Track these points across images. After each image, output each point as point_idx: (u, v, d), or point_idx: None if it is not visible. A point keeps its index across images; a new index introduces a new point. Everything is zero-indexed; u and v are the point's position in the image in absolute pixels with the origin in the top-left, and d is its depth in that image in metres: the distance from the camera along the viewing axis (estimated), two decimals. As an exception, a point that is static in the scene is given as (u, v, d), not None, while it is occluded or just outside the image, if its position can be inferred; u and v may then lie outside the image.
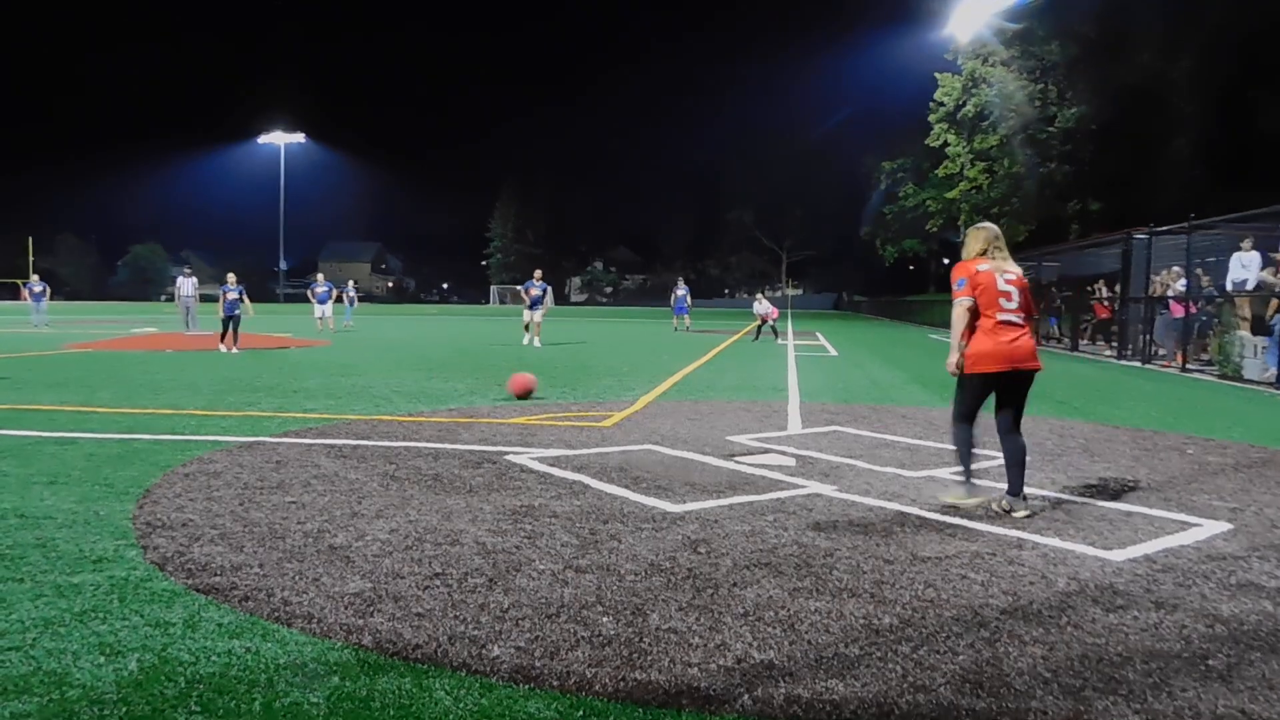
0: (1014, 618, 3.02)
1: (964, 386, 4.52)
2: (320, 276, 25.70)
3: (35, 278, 26.14)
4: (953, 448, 4.78)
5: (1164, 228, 15.47)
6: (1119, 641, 2.83)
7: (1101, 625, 2.97)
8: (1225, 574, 3.56)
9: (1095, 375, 13.70)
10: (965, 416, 4.53)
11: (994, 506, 4.44)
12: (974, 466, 4.65)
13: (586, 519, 4.23)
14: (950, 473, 5.12)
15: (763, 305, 22.92)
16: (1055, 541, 3.97)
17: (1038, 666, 2.62)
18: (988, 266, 4.43)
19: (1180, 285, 14.48)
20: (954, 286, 4.46)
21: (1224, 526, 4.30)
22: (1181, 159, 29.17)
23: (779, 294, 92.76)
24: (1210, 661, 2.69)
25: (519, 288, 19.20)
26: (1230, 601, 3.23)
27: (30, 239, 53.14)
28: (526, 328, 18.64)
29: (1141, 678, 2.56)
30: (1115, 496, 4.93)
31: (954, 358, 4.45)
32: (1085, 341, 20.27)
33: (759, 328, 22.66)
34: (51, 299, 12.31)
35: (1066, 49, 33.22)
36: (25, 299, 23.27)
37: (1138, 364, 15.58)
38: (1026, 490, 4.54)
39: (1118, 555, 3.78)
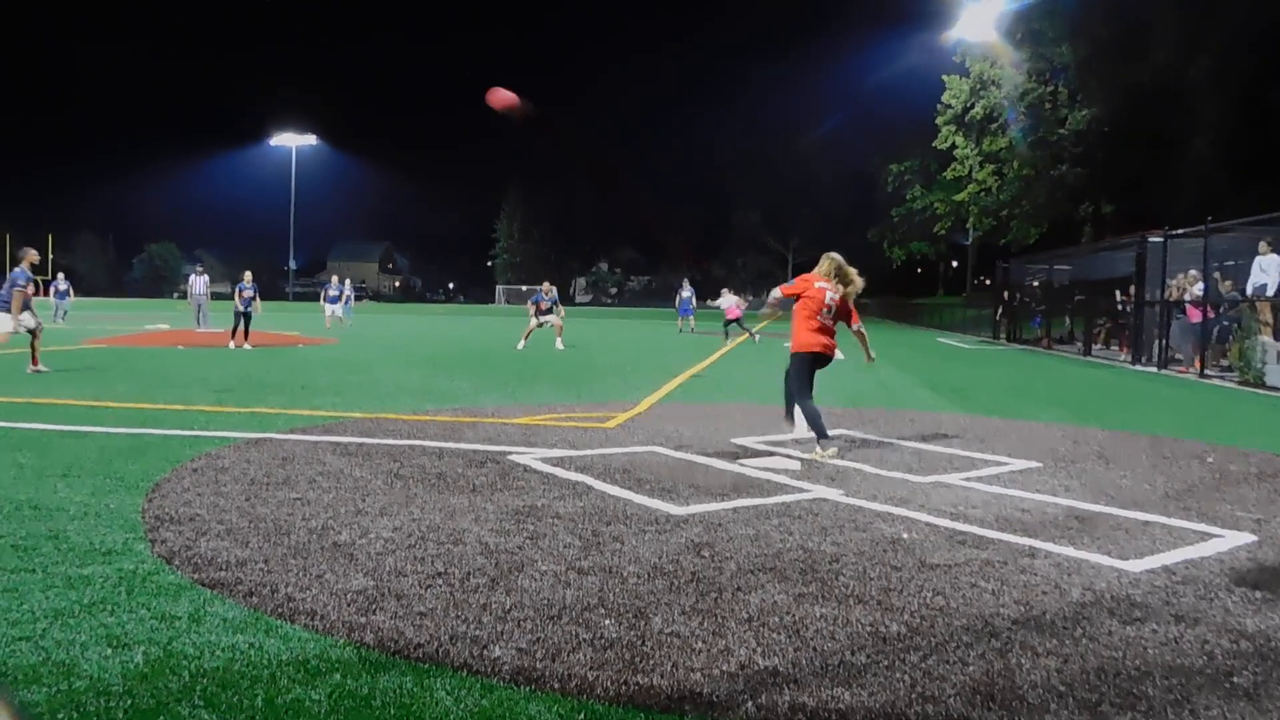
0: (1026, 628, 2.96)
1: (794, 363, 6.25)
2: (335, 279, 26.70)
3: (60, 276, 26.63)
4: (961, 452, 5.81)
5: (1180, 230, 15.28)
6: (1137, 655, 2.75)
7: (1118, 638, 2.89)
8: (1250, 587, 3.44)
9: (1110, 380, 13.60)
10: (804, 392, 6.18)
11: (818, 450, 5.94)
12: (979, 473, 4.87)
13: (589, 520, 4.20)
14: (822, 445, 6.05)
15: (726, 299, 21.98)
16: (1069, 550, 3.90)
17: (1051, 679, 2.55)
18: (822, 284, 6.19)
19: (1198, 289, 14.31)
20: (787, 282, 6.47)
21: (1248, 538, 4.18)
22: (1199, 160, 28.88)
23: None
24: (1235, 679, 2.60)
25: (530, 302, 18.86)
26: (1255, 616, 3.13)
27: (50, 236, 53.44)
28: (527, 336, 17.86)
29: (1162, 694, 2.48)
30: (1132, 505, 4.83)
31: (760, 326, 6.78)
32: (1099, 345, 20.14)
33: (726, 326, 21.56)
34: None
35: (1078, 49, 32.97)
36: (47, 295, 23.73)
37: (1154, 369, 15.45)
38: (1038, 497, 4.95)
39: (1135, 565, 3.70)
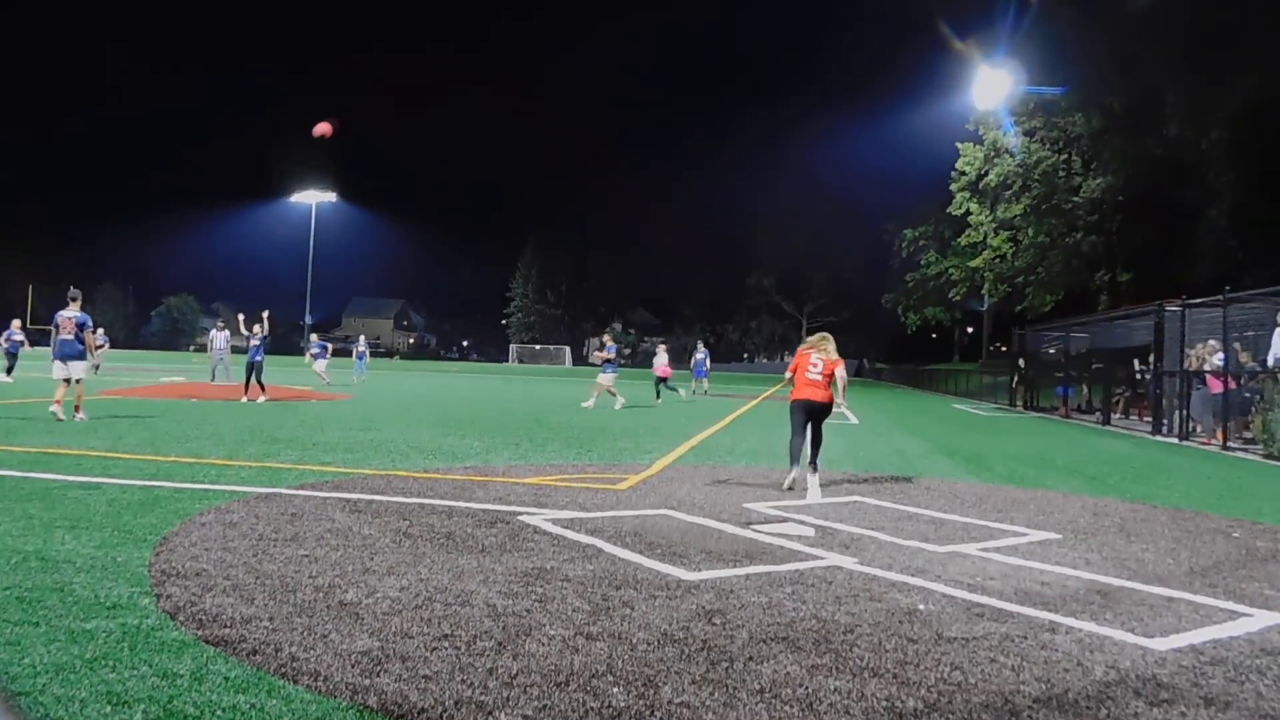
0: (1048, 707, 2.86)
1: (791, 412, 7.91)
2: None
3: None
4: (978, 522, 6.13)
5: (1197, 300, 15.23)
6: (1163, 738, 2.66)
7: (1145, 720, 2.80)
8: (1282, 670, 3.30)
9: (1130, 451, 13.41)
10: (797, 431, 7.73)
11: (794, 474, 7.55)
12: (997, 543, 4.81)
13: (599, 584, 4.13)
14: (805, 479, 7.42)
15: (660, 358, 21.85)
16: (1091, 626, 3.79)
17: (1072, 760, 2.46)
18: (806, 350, 7.99)
19: (1217, 359, 14.19)
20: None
21: (1279, 618, 4.05)
22: (1215, 230, 28.95)
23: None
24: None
25: (598, 353, 18.94)
26: (1288, 701, 3.00)
27: (71, 288, 54.38)
28: (601, 395, 18.02)
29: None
30: (1156, 580, 4.70)
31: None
32: (1118, 415, 19.91)
33: (657, 386, 21.29)
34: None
35: (1090, 120, 33.42)
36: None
37: (1175, 440, 15.24)
38: (1059, 570, 4.86)
39: (1160, 644, 3.58)
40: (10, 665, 2.82)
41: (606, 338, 18.89)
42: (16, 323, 22.07)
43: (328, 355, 25.65)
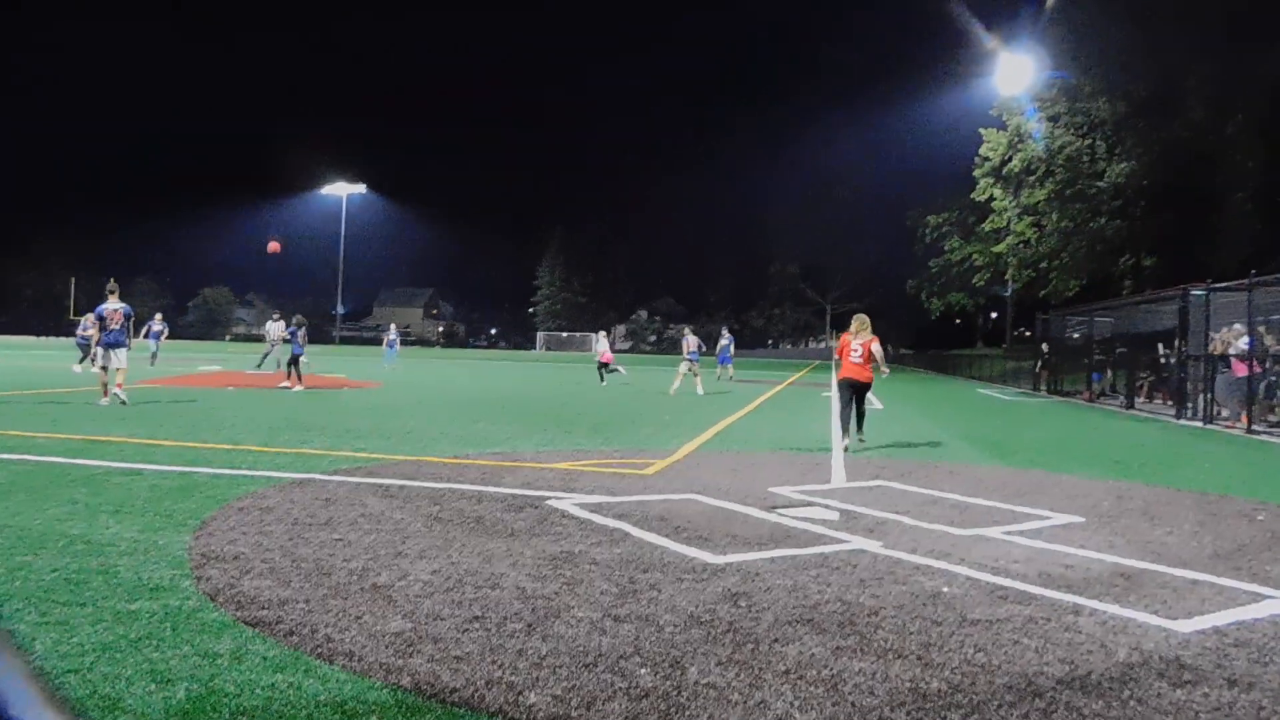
0: (1071, 688, 2.88)
1: (839, 388, 9.55)
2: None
3: (159, 317, 27.30)
4: (1002, 505, 6.29)
5: (1222, 284, 15.06)
6: (1187, 720, 2.67)
7: (1168, 701, 2.80)
8: (1307, 652, 3.30)
9: (1154, 435, 13.28)
10: (844, 405, 9.41)
11: (847, 440, 9.24)
12: (1020, 526, 4.88)
13: (626, 567, 4.20)
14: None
15: (601, 344, 22.96)
16: (1114, 608, 3.80)
17: (1095, 740, 2.49)
18: (849, 336, 9.50)
19: (1243, 343, 14.02)
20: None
21: (1302, 600, 4.02)
22: (1241, 214, 28.48)
23: (823, 345, 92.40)
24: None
25: (684, 341, 20.48)
26: (1313, 682, 3.00)
27: (111, 279, 55.39)
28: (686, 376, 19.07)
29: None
30: (1179, 563, 4.69)
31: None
32: (1141, 399, 19.70)
33: (600, 370, 22.27)
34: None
35: (1115, 106, 32.90)
36: (141, 337, 24.50)
37: (1199, 424, 15.07)
38: (1082, 553, 4.87)
39: (1184, 626, 3.58)
40: (60, 644, 2.93)
41: (687, 329, 20.62)
42: (89, 317, 22.44)
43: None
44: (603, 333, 25.89)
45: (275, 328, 23.25)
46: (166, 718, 2.42)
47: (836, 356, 10.09)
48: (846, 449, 9.00)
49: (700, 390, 18.76)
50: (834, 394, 9.86)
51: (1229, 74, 27.86)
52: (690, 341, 19.70)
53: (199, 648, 2.95)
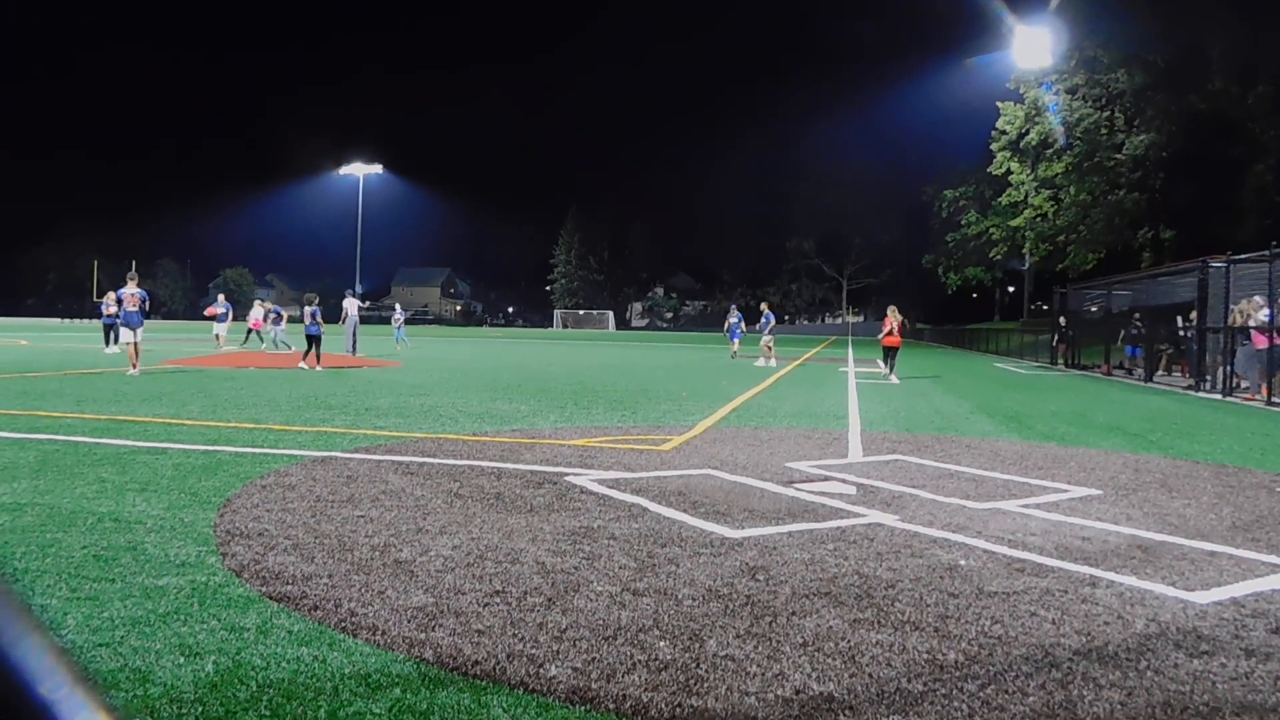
0: (1088, 659, 2.90)
1: (884, 350, 18.66)
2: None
3: (221, 297, 26.51)
4: (1019, 479, 6.35)
5: (1243, 255, 14.88)
6: (1205, 690, 2.66)
7: (1185, 671, 2.81)
8: (1325, 623, 3.29)
9: (1172, 407, 13.18)
10: (887, 358, 18.70)
11: (893, 378, 17.18)
12: (1037, 499, 4.85)
13: (645, 542, 4.23)
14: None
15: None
16: (1132, 580, 3.80)
17: (1115, 712, 2.49)
18: (889, 318, 18.27)
19: (1263, 315, 13.86)
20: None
21: (1320, 571, 4.00)
22: (1261, 186, 28.05)
23: (839, 320, 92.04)
24: (1307, 716, 2.50)
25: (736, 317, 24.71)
26: (1329, 653, 3.00)
27: (134, 262, 55.96)
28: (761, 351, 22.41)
29: (1229, 729, 2.40)
30: (1197, 535, 4.68)
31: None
32: (1160, 372, 19.52)
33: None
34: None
35: (1134, 77, 32.34)
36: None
37: (1218, 396, 14.94)
38: (1099, 525, 4.87)
39: (1201, 597, 3.58)
40: (91, 619, 3.00)
41: (764, 306, 24.34)
42: (110, 295, 22.46)
43: (282, 322, 24.40)
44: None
45: (353, 306, 23.66)
46: (196, 690, 2.47)
47: (883, 330, 18.24)
48: (887, 378, 16.89)
49: (773, 363, 21.81)
50: (882, 351, 18.55)
51: (1250, 44, 27.31)
52: (764, 317, 23.07)
53: (226, 622, 3.00)
